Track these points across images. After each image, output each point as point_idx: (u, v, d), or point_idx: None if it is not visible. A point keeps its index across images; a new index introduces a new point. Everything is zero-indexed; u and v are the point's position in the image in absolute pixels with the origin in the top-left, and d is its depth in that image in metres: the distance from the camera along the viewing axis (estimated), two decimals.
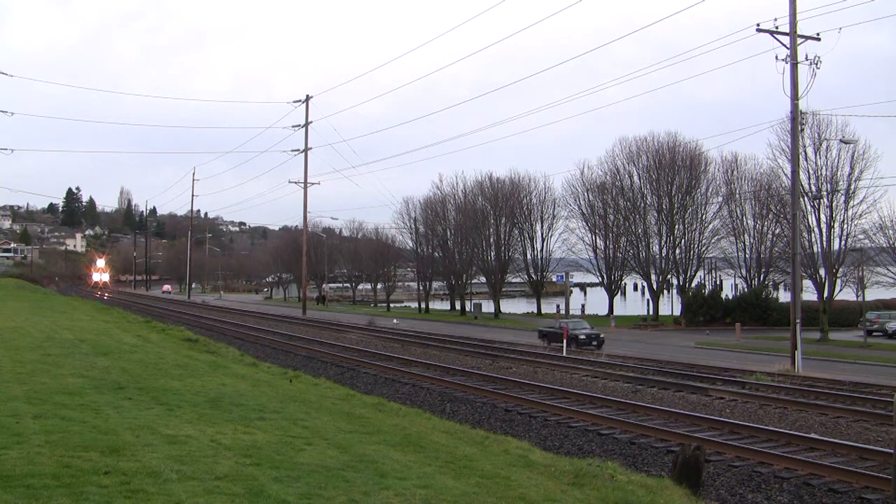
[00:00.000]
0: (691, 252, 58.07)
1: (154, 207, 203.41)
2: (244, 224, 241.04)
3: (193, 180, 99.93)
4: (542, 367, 26.99)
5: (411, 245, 79.78)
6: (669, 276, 59.96)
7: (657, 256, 59.01)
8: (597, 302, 78.97)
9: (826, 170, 42.87)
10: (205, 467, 7.43)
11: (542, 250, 68.51)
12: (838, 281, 44.44)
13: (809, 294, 44.18)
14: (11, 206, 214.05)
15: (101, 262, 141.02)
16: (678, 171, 56.74)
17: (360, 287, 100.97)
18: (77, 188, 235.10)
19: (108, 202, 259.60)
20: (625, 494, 8.67)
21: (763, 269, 55.61)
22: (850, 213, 43.26)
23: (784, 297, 58.61)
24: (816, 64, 26.85)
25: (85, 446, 7.95)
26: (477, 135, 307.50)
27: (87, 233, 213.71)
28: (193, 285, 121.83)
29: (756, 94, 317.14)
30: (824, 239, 43.31)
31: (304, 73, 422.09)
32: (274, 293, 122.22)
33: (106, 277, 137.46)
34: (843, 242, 43.24)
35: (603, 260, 62.78)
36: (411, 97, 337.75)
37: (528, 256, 69.45)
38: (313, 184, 65.20)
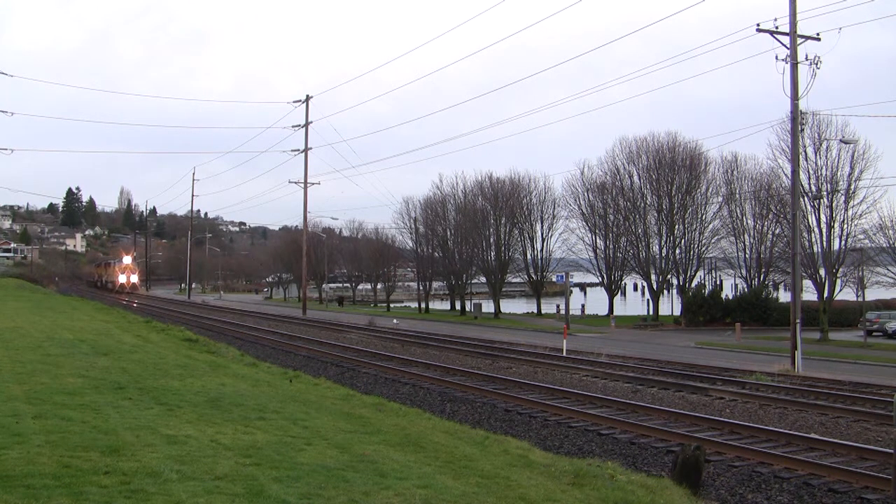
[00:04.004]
0: (691, 252, 58.03)
1: (154, 207, 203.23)
2: (244, 224, 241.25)
3: (193, 180, 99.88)
4: (542, 367, 26.98)
5: (411, 245, 79.76)
6: (669, 276, 59.91)
7: (657, 256, 58.96)
8: (597, 302, 78.97)
9: (826, 170, 42.87)
10: (205, 467, 7.43)
11: (542, 250, 68.50)
12: (838, 281, 44.42)
13: (809, 294, 44.16)
14: (11, 206, 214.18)
15: (127, 260, 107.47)
16: (678, 171, 56.71)
17: (360, 287, 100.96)
18: (77, 188, 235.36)
19: (108, 202, 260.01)
20: (625, 494, 8.66)
21: (763, 269, 55.58)
22: (850, 213, 43.26)
23: (784, 297, 58.61)
24: (816, 64, 26.84)
25: (85, 446, 7.96)
26: (477, 134, 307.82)
27: (87, 233, 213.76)
28: (193, 285, 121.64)
29: (756, 94, 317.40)
30: (824, 239, 43.31)
31: (305, 73, 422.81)
32: (274, 293, 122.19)
33: (135, 279, 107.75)
34: (843, 242, 43.23)
35: (603, 260, 62.73)
36: (412, 97, 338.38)
37: (528, 256, 69.42)
38: (313, 184, 65.18)
